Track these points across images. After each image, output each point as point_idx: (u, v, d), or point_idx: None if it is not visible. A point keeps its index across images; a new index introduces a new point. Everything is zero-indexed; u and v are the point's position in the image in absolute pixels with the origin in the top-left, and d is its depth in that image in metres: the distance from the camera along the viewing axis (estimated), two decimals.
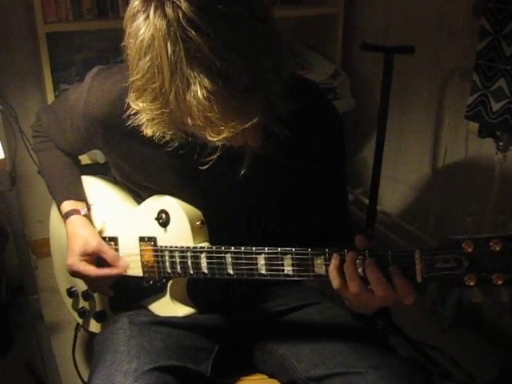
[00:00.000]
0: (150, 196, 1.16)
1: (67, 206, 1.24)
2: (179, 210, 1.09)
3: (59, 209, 1.27)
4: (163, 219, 1.11)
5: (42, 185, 1.27)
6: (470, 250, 0.83)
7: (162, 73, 0.82)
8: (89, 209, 1.26)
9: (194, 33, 0.79)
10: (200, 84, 0.80)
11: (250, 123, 0.84)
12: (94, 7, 1.97)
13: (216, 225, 1.12)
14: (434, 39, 2.05)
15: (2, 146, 1.25)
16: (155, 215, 1.12)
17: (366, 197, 2.15)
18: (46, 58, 1.88)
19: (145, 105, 0.87)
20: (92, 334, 1.30)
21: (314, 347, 1.10)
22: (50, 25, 1.89)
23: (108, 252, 1.19)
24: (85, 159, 1.42)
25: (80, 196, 1.27)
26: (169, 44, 0.80)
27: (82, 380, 1.48)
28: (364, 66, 2.40)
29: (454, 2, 1.95)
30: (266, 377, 1.20)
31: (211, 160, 0.91)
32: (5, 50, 2.02)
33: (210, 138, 0.86)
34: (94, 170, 1.37)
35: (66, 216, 1.23)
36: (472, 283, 0.83)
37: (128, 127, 0.97)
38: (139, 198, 1.20)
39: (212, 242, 1.10)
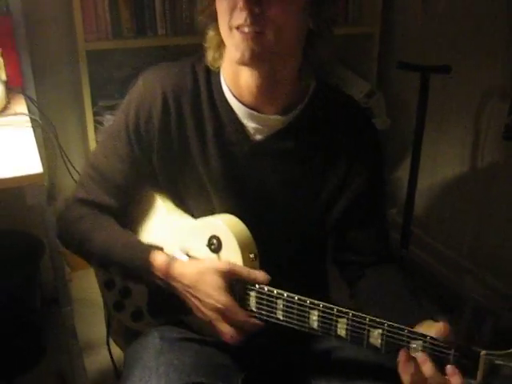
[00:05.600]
0: (199, 211, 1.14)
1: (156, 260, 1.09)
2: (231, 238, 1.06)
3: (151, 271, 1.09)
4: (215, 245, 1.09)
5: None
6: None
7: None
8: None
9: None
10: None
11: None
12: (133, 26, 2.01)
13: (257, 231, 1.10)
14: (472, 58, 2.03)
15: (41, 160, 1.28)
16: (206, 240, 1.10)
17: (400, 217, 2.12)
18: (85, 75, 1.92)
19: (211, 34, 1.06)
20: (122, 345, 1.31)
21: (344, 380, 1.08)
22: (90, 43, 1.93)
23: (240, 268, 1.06)
24: None
25: (150, 245, 1.15)
26: None
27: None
28: (400, 86, 2.39)
29: (491, 21, 1.93)
30: None
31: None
32: (45, 68, 2.07)
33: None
34: None
35: (166, 269, 1.08)
36: None
37: (185, 110, 1.09)
38: (187, 209, 1.18)
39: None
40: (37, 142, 1.41)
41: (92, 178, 1.16)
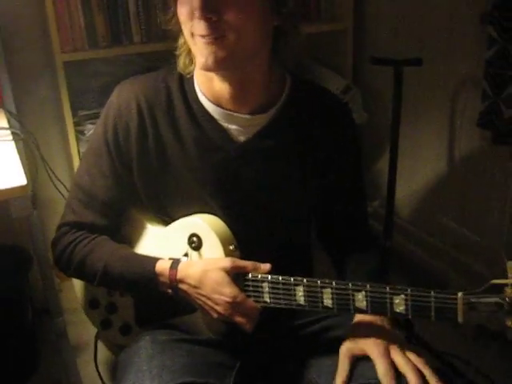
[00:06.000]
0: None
1: (161, 269, 1.11)
2: (211, 233, 1.11)
3: (156, 280, 1.11)
4: (195, 243, 1.12)
5: (63, 208, 1.23)
6: (511, 294, 0.88)
7: None
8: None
9: None
10: None
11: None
12: (108, 34, 2.01)
13: (240, 224, 1.14)
14: (443, 50, 2.07)
15: (24, 172, 1.30)
16: (187, 239, 1.13)
17: (382, 209, 2.15)
18: (63, 85, 1.93)
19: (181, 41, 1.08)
20: (113, 350, 1.32)
21: (334, 359, 1.10)
22: (67, 54, 1.94)
23: (244, 262, 1.09)
24: None
25: (151, 256, 1.16)
26: None
27: None
28: (375, 80, 2.42)
29: (460, 13, 1.97)
30: None
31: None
32: (24, 81, 2.08)
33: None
34: None
35: (171, 273, 1.10)
36: None
37: (161, 123, 1.11)
38: (169, 219, 1.20)
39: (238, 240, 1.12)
40: (19, 156, 1.42)
41: (79, 198, 1.18)
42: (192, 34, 1.00)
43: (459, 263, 2.16)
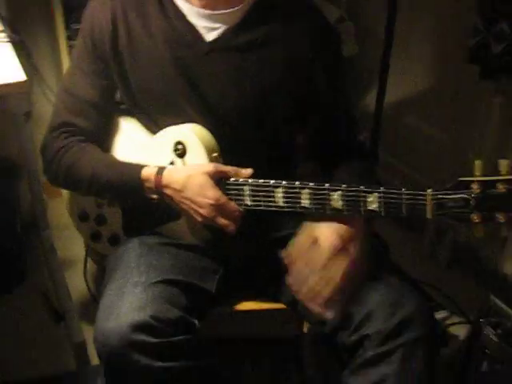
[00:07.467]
0: (164, 125, 1.19)
1: (147, 174, 1.14)
2: (196, 140, 1.13)
3: (142, 185, 1.14)
4: (180, 150, 1.15)
5: None
6: (477, 190, 0.92)
7: None
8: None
9: None
10: None
11: None
12: None
13: (220, 128, 1.16)
14: None
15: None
16: (172, 147, 1.16)
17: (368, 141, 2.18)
18: None
19: None
20: (101, 264, 1.35)
21: None
22: None
23: (226, 167, 1.13)
24: None
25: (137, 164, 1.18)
26: None
27: (95, 300, 1.52)
28: (367, 14, 2.41)
29: None
30: (269, 298, 1.26)
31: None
32: None
33: None
34: None
35: (156, 179, 1.13)
36: (477, 220, 0.93)
37: (132, 21, 1.12)
38: (155, 127, 1.22)
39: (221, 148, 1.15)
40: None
41: (63, 101, 1.21)
42: None
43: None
